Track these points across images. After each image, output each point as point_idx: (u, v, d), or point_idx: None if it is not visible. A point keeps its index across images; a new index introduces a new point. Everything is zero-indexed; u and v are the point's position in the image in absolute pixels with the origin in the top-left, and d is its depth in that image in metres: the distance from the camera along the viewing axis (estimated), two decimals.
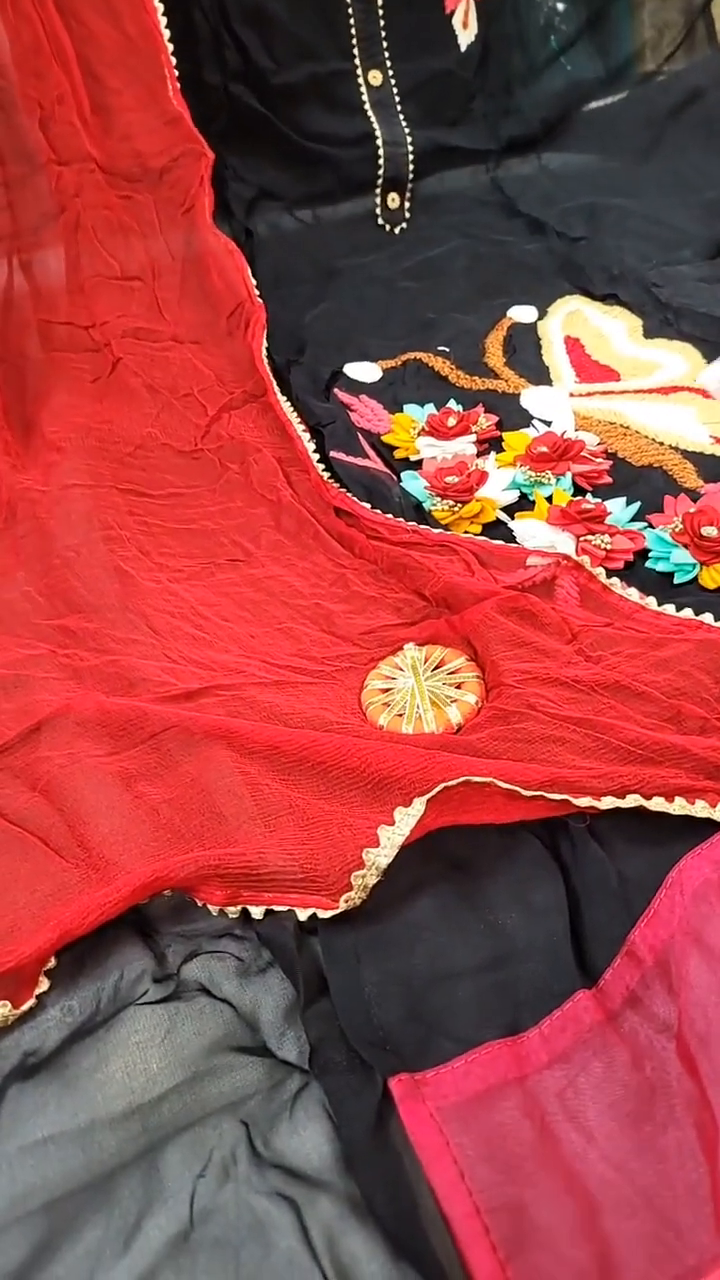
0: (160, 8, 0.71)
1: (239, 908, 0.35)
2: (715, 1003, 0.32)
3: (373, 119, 0.88)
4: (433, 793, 0.35)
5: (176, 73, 0.71)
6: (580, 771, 0.38)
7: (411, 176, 0.91)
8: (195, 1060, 0.33)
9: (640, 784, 0.37)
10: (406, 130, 0.89)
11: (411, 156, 0.90)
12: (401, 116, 0.89)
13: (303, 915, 0.34)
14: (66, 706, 0.42)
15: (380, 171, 0.88)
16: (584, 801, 0.36)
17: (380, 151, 0.88)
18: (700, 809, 0.37)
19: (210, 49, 0.78)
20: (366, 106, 0.87)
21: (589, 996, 0.33)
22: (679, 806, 0.36)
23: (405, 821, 0.35)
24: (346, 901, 0.34)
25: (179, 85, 0.71)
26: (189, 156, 0.70)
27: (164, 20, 0.71)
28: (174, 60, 0.71)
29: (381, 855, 0.35)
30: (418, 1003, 0.33)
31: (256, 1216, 0.29)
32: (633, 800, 0.36)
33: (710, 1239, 0.28)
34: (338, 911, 0.34)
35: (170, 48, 0.71)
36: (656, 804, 0.36)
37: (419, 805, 0.35)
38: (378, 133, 0.88)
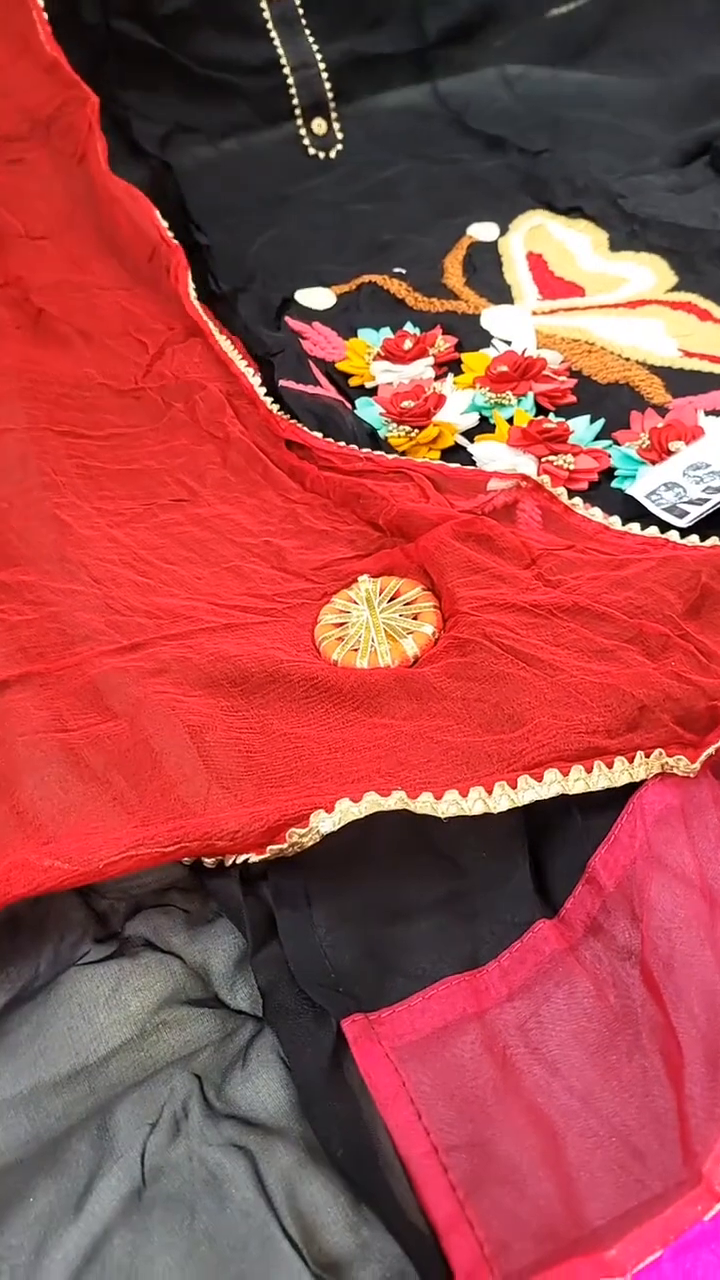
0: None
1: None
2: (679, 927, 0.30)
3: (276, 41, 0.81)
4: (387, 804, 0.33)
5: (51, 20, 0.67)
6: (539, 738, 0.35)
7: (334, 98, 0.85)
8: (143, 1016, 0.31)
9: (600, 749, 0.35)
10: (315, 46, 0.83)
11: (326, 76, 0.84)
12: (308, 32, 0.82)
13: (239, 859, 0.33)
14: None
15: (294, 100, 0.83)
16: (550, 776, 0.34)
17: (290, 77, 0.82)
18: (673, 763, 0.34)
19: None
20: (269, 26, 0.81)
21: (549, 926, 0.32)
22: (641, 767, 0.34)
23: (352, 810, 0.33)
24: (272, 852, 0.32)
25: (51, 29, 0.66)
26: (73, 103, 0.66)
27: None
28: (41, 3, 0.66)
29: (326, 823, 0.33)
30: (372, 941, 0.32)
31: (210, 1170, 0.28)
32: (600, 773, 0.34)
33: (677, 1165, 0.27)
34: (283, 855, 0.33)
35: None
36: (620, 772, 0.34)
37: (366, 805, 0.33)
38: (283, 57, 0.82)
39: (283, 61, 0.82)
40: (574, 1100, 0.29)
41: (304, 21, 0.82)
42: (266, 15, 0.81)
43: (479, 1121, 0.28)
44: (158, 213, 0.65)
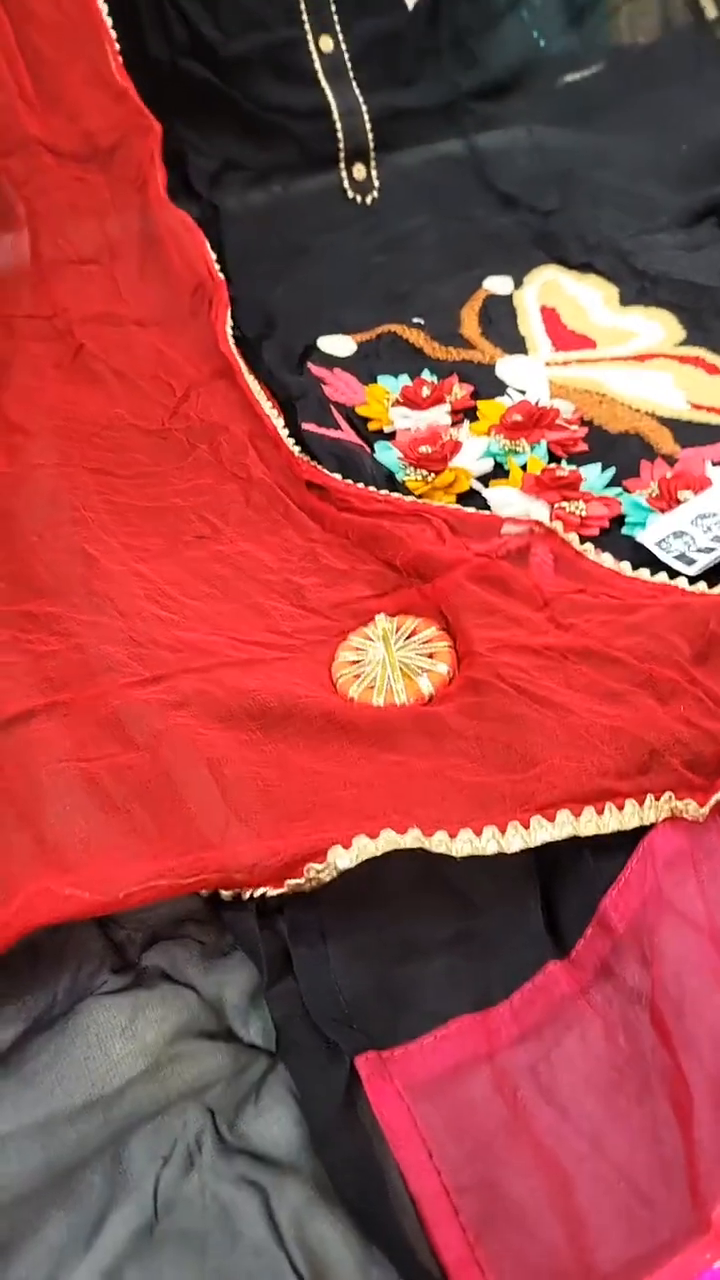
0: None
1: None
2: (689, 971, 0.31)
3: (326, 88, 0.85)
4: (404, 841, 0.33)
5: (119, 48, 0.70)
6: (551, 779, 0.36)
7: (374, 146, 0.88)
8: (158, 1048, 0.32)
9: (611, 791, 0.35)
10: (360, 97, 0.87)
11: (369, 124, 0.88)
12: (355, 83, 0.86)
13: (255, 893, 0.33)
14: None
15: (340, 144, 0.87)
16: (563, 817, 0.34)
17: (338, 123, 0.86)
18: (682, 807, 0.35)
19: (154, 22, 0.76)
20: (319, 75, 0.85)
21: (560, 967, 0.32)
22: (651, 810, 0.35)
23: (369, 848, 0.33)
24: (290, 887, 0.33)
25: (122, 60, 0.70)
26: (137, 132, 0.69)
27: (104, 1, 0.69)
28: (114, 34, 0.69)
29: (344, 859, 0.33)
30: (385, 977, 0.33)
31: (222, 1205, 0.28)
32: (610, 815, 0.34)
33: (686, 1212, 0.27)
34: (300, 890, 0.33)
35: (109, 21, 0.69)
36: (630, 815, 0.35)
37: (384, 843, 0.33)
38: (332, 104, 0.86)
39: (332, 108, 0.86)
40: (584, 1144, 0.29)
41: (352, 73, 0.87)
42: (318, 65, 0.86)
43: (489, 1163, 0.28)
44: (209, 247, 0.67)
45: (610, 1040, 0.31)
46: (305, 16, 0.85)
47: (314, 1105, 0.29)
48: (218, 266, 0.68)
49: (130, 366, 0.63)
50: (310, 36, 0.86)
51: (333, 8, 0.86)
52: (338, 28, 0.87)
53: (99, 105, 0.70)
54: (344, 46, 0.87)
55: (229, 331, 0.63)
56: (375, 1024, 0.31)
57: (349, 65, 0.87)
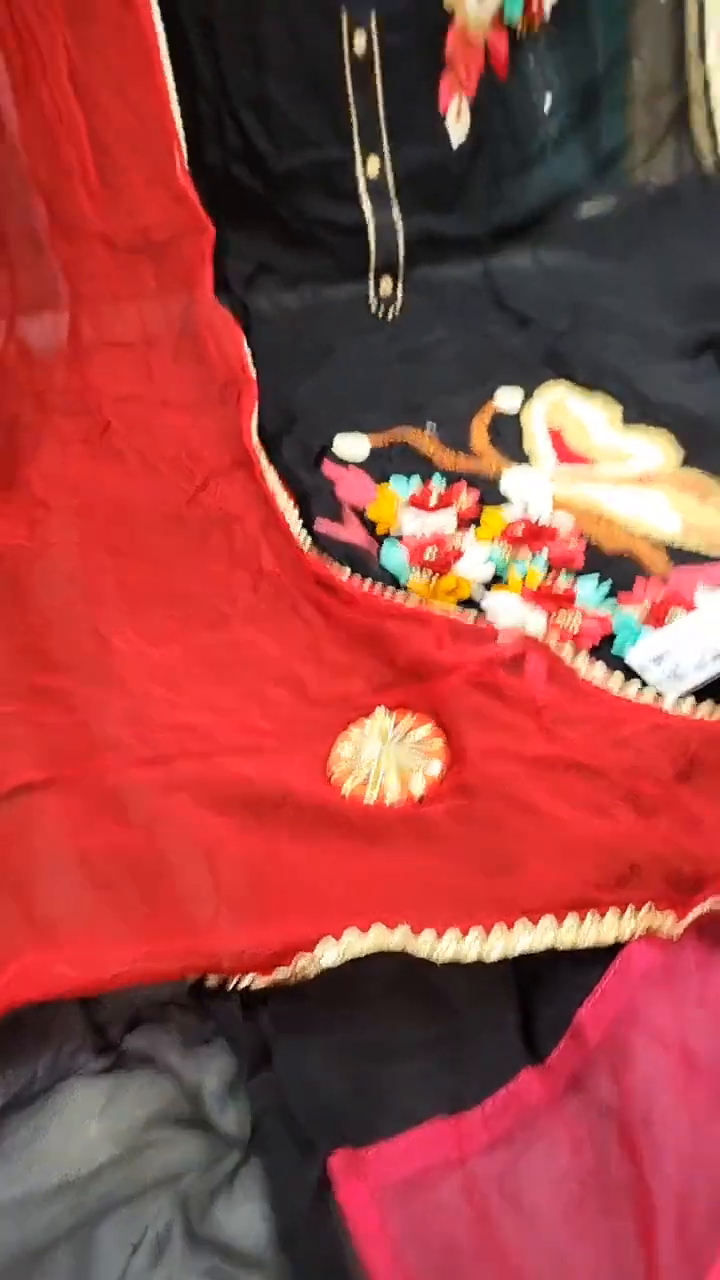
0: (173, 91, 0.75)
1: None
2: (659, 1086, 0.32)
3: (366, 207, 0.92)
4: (391, 939, 0.35)
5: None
6: (535, 887, 0.37)
7: (404, 263, 0.95)
8: (134, 1133, 0.32)
9: (592, 901, 0.36)
10: (399, 218, 0.94)
11: (403, 243, 0.94)
12: (395, 204, 0.93)
13: (240, 981, 0.34)
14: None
15: (372, 257, 0.93)
16: (545, 923, 0.36)
17: (372, 240, 0.92)
18: (660, 920, 0.36)
19: (213, 130, 0.82)
20: (362, 194, 0.92)
21: (533, 1076, 0.33)
22: (630, 922, 0.36)
23: (357, 944, 0.34)
24: (278, 975, 0.34)
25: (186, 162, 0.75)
26: (192, 231, 0.74)
27: (175, 101, 0.75)
28: (182, 138, 0.75)
29: (330, 954, 0.34)
30: (363, 1076, 0.33)
31: None
32: (590, 924, 0.36)
33: None
34: (285, 983, 0.34)
35: (181, 128, 0.75)
36: (609, 926, 0.36)
37: (372, 940, 0.34)
38: (370, 221, 0.92)
39: (369, 226, 0.92)
40: (547, 1255, 0.29)
41: (393, 196, 0.94)
42: (362, 186, 0.93)
43: (455, 1270, 0.29)
44: (245, 344, 0.72)
45: (577, 1153, 0.31)
46: (356, 140, 0.92)
47: (284, 1201, 0.30)
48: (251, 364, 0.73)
49: (153, 448, 0.67)
50: (359, 158, 0.93)
51: (383, 135, 0.94)
52: (386, 153, 0.94)
53: (159, 203, 0.75)
54: (389, 171, 0.94)
55: (254, 425, 0.67)
56: (351, 1122, 0.32)
57: (391, 188, 0.94)
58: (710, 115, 1.16)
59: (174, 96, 0.75)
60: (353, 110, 0.91)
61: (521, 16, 1.05)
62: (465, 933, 0.35)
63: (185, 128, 0.78)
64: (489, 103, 1.02)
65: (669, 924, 0.36)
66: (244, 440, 0.66)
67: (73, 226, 0.74)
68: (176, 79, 0.77)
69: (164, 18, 0.76)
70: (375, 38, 0.91)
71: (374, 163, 0.93)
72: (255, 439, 0.66)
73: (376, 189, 0.93)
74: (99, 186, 0.72)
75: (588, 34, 1.15)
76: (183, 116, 0.78)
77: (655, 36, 1.20)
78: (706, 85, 1.18)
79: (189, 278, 0.73)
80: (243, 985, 0.34)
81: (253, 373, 0.70)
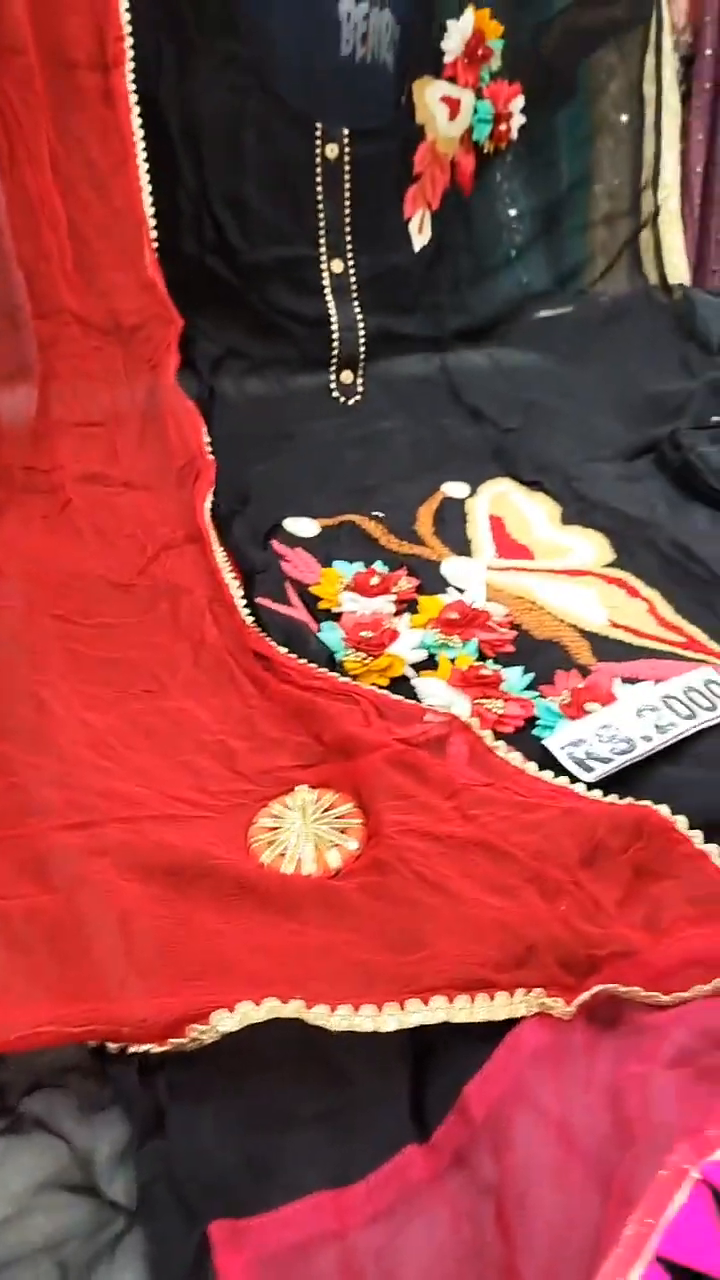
0: (147, 188, 0.80)
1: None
2: (535, 1166, 0.33)
3: (330, 303, 0.98)
4: (285, 1011, 0.35)
5: (157, 242, 0.80)
6: (436, 965, 0.39)
7: (364, 357, 1.00)
8: (21, 1197, 0.32)
9: (489, 981, 0.38)
10: (360, 316, 0.99)
11: (363, 339, 1.00)
12: (357, 303, 0.99)
13: (140, 1048, 0.35)
14: None
15: (334, 351, 0.98)
16: (437, 1001, 0.37)
17: (335, 333, 0.97)
18: (551, 1003, 0.38)
19: (190, 224, 0.88)
20: (326, 291, 0.98)
21: (418, 1152, 0.34)
22: (521, 1004, 0.38)
23: (252, 1014, 0.35)
24: (172, 1045, 0.35)
25: (157, 256, 0.80)
26: (159, 320, 0.78)
27: (149, 199, 0.80)
28: (155, 233, 0.80)
29: (225, 1023, 0.35)
30: (254, 1145, 0.34)
31: None
32: (481, 1004, 0.37)
33: None
34: (183, 1049, 0.35)
35: (152, 222, 0.80)
36: (501, 1005, 0.37)
37: (266, 1011, 0.35)
38: (333, 316, 0.98)
39: (332, 320, 0.97)
40: None
41: (355, 294, 1.00)
42: (327, 283, 0.98)
43: None
44: (204, 429, 0.75)
45: (455, 1230, 0.32)
46: (323, 241, 0.99)
47: (164, 1269, 0.30)
48: (209, 447, 0.76)
49: (111, 525, 0.69)
50: (325, 258, 0.99)
51: (348, 238, 1.00)
52: (349, 255, 1.00)
53: (129, 290, 0.80)
54: (352, 271, 1.00)
55: (208, 505, 0.70)
56: (237, 1192, 0.33)
57: (354, 287, 1.00)
58: (657, 240, 1.25)
59: (147, 192, 0.80)
60: (320, 213, 0.97)
61: (489, 138, 1.14)
62: (358, 1009, 0.36)
63: (164, 220, 0.83)
64: (452, 216, 1.10)
65: (559, 1008, 0.38)
66: (197, 518, 0.69)
67: (52, 306, 0.78)
68: (159, 174, 0.83)
69: (151, 120, 0.82)
70: (347, 149, 0.98)
71: (338, 263, 0.99)
72: (208, 517, 0.69)
73: (340, 287, 0.99)
74: (74, 271, 0.76)
75: (553, 157, 1.25)
76: (162, 209, 0.83)
77: (616, 162, 1.30)
78: (656, 211, 1.28)
79: (155, 363, 0.77)
80: (141, 1051, 0.35)
81: (210, 456, 0.73)
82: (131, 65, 0.79)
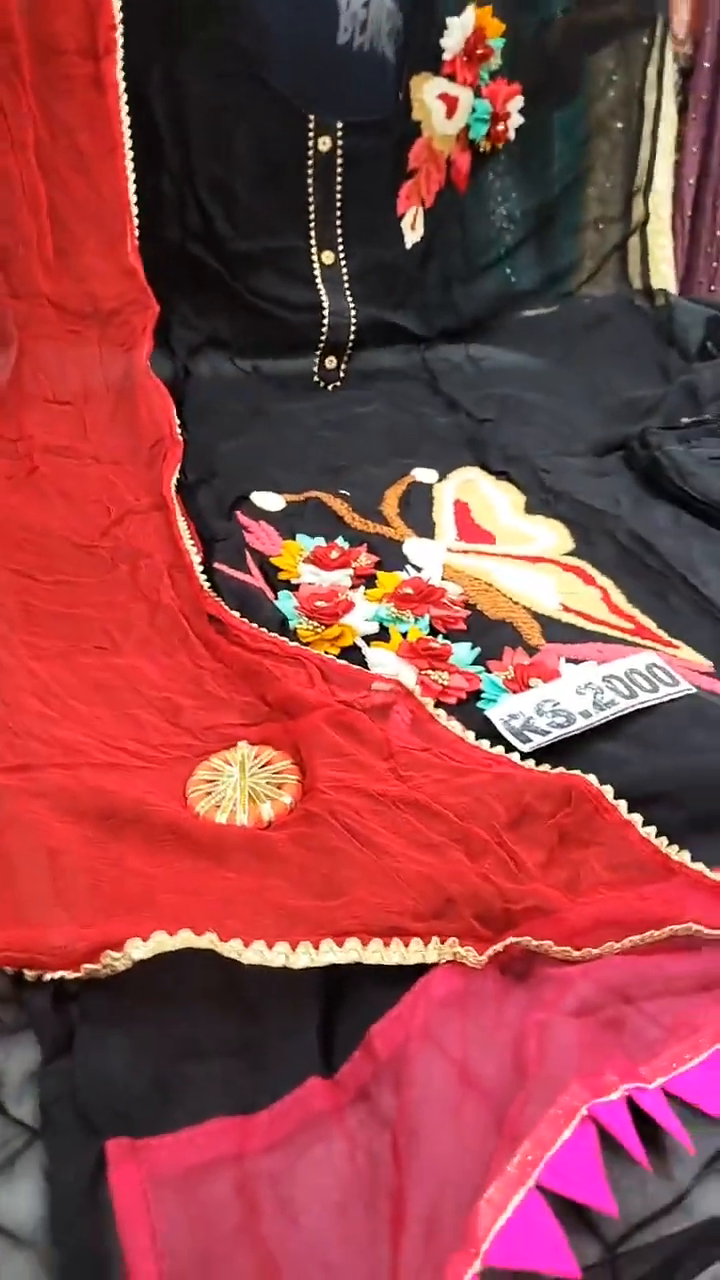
0: (132, 174, 0.81)
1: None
2: (431, 1100, 0.34)
3: (321, 291, 0.99)
4: (198, 942, 0.36)
5: (139, 226, 0.81)
6: (353, 910, 0.39)
7: (351, 345, 1.02)
8: None
9: (405, 929, 0.39)
10: (351, 305, 1.01)
11: (354, 327, 1.01)
12: (348, 292, 1.00)
13: (52, 975, 0.36)
14: None
15: (323, 336, 0.99)
16: (351, 944, 0.38)
17: (325, 320, 0.98)
18: (463, 953, 0.39)
19: (174, 209, 0.89)
20: (318, 280, 0.99)
21: (321, 1084, 0.35)
22: (434, 950, 0.38)
23: (166, 943, 0.36)
24: (86, 971, 0.36)
25: (138, 242, 0.81)
26: (137, 306, 0.79)
27: (133, 185, 0.81)
28: (137, 220, 0.81)
29: (139, 951, 0.36)
30: (162, 1073, 0.35)
31: None
32: (395, 948, 0.38)
33: None
34: (97, 977, 0.36)
35: (135, 210, 0.81)
36: (414, 951, 0.38)
37: (179, 941, 0.36)
38: (325, 303, 0.99)
39: (324, 306, 0.98)
40: (305, 1251, 0.31)
41: (346, 285, 1.00)
42: (318, 273, 0.99)
43: (211, 1259, 0.30)
44: (174, 411, 0.76)
45: (351, 1160, 0.33)
46: (313, 232, 0.99)
47: (59, 1183, 0.31)
48: (178, 422, 0.77)
49: (77, 490, 0.70)
50: (315, 250, 1.00)
51: (339, 231, 1.01)
52: (340, 247, 1.01)
53: (109, 276, 0.81)
54: (343, 263, 1.01)
55: (174, 480, 0.71)
56: (140, 1114, 0.33)
57: (345, 278, 1.01)
58: (645, 248, 1.27)
59: (132, 178, 0.81)
60: (311, 205, 0.98)
61: (486, 137, 1.15)
62: (271, 946, 0.37)
63: (146, 204, 0.84)
64: (445, 214, 1.11)
65: (471, 957, 0.39)
66: (163, 489, 0.69)
67: (27, 290, 0.79)
68: (142, 157, 0.83)
69: (138, 106, 0.83)
70: (340, 141, 0.99)
71: (328, 255, 1.00)
72: (173, 490, 0.70)
73: (330, 277, 1.00)
74: (53, 256, 0.78)
75: (548, 158, 1.26)
76: (144, 193, 0.84)
77: (610, 166, 1.31)
78: (646, 218, 1.30)
79: (130, 346, 0.79)
80: (56, 978, 0.36)
81: (179, 436, 0.74)
82: (121, 55, 0.80)
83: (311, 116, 0.97)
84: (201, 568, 0.63)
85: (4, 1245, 0.30)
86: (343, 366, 1.02)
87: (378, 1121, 0.34)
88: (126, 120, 0.82)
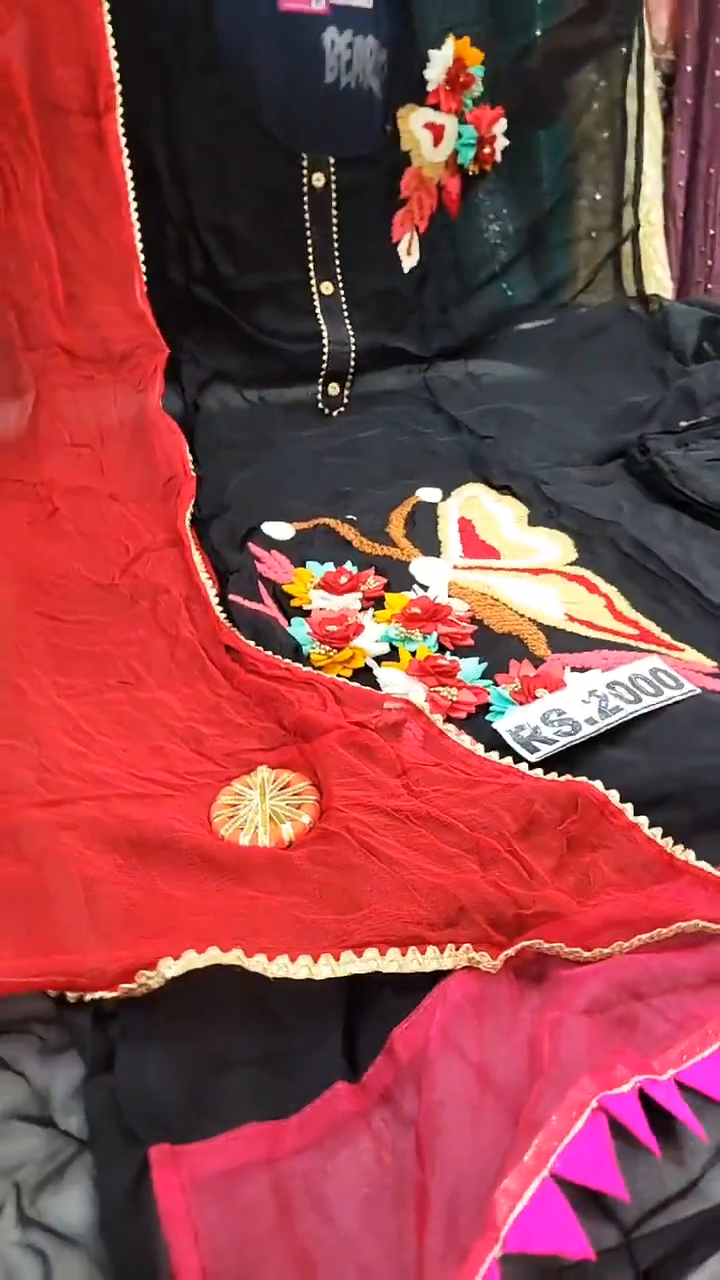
0: (136, 224, 0.85)
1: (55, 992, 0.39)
2: (452, 1100, 0.36)
3: (321, 322, 1.02)
4: (226, 958, 0.38)
5: (145, 273, 0.84)
6: (371, 923, 0.42)
7: (352, 371, 1.05)
8: None
9: (420, 938, 0.41)
10: (351, 333, 1.04)
11: (354, 354, 1.04)
12: (348, 321, 1.04)
13: (91, 996, 0.38)
14: None
15: (324, 365, 1.02)
16: (370, 954, 0.40)
17: (325, 349, 1.02)
18: (478, 958, 0.41)
19: (176, 252, 0.92)
20: (317, 311, 1.02)
21: (347, 1088, 0.37)
22: (450, 957, 0.41)
23: (195, 960, 0.38)
24: (123, 991, 0.38)
25: (146, 286, 0.84)
26: (147, 348, 0.83)
27: (139, 234, 0.85)
28: (144, 266, 0.84)
29: (171, 969, 0.38)
30: (196, 1084, 0.37)
31: (8, 1266, 0.32)
32: (412, 957, 0.40)
33: None
34: (133, 995, 0.38)
35: (141, 256, 0.85)
36: (430, 959, 0.40)
37: (208, 958, 0.38)
38: (324, 333, 1.02)
39: (324, 336, 1.02)
40: (339, 1246, 0.33)
41: (346, 314, 1.04)
42: (317, 304, 1.02)
43: (250, 1256, 0.32)
44: (186, 448, 0.80)
45: (378, 1159, 0.35)
46: (312, 265, 1.03)
47: (106, 1188, 0.33)
48: (190, 458, 0.80)
49: (96, 529, 0.74)
50: (314, 281, 1.03)
51: (336, 262, 1.04)
52: (339, 276, 1.04)
53: (119, 322, 0.85)
54: (342, 293, 1.05)
55: (188, 515, 0.74)
56: (178, 1124, 0.36)
57: (344, 307, 1.05)
58: (637, 254, 1.29)
59: (137, 229, 0.85)
60: (309, 239, 1.01)
61: (473, 161, 1.18)
62: (294, 959, 0.39)
63: (150, 248, 0.88)
64: (439, 237, 1.14)
65: (485, 962, 0.41)
66: (178, 525, 0.73)
67: (41, 340, 0.83)
68: (145, 205, 0.87)
69: (139, 158, 0.87)
70: (334, 177, 1.02)
71: (327, 286, 1.03)
72: (188, 525, 0.73)
73: (330, 307, 1.04)
74: (65, 305, 0.81)
75: (537, 175, 1.29)
76: (149, 240, 0.87)
77: (599, 178, 1.34)
78: (637, 225, 1.32)
79: (143, 388, 0.82)
80: (96, 998, 0.38)
81: (192, 471, 0.77)
82: (121, 110, 0.84)
83: (304, 154, 1.00)
84: (218, 599, 0.66)
85: (58, 1247, 0.33)
86: (345, 392, 1.05)
87: (401, 1122, 0.36)
88: (129, 173, 0.86)
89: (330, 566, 0.73)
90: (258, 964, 0.39)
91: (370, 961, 0.40)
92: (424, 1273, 0.31)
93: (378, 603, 0.69)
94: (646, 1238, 0.34)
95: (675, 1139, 0.36)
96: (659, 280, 1.33)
